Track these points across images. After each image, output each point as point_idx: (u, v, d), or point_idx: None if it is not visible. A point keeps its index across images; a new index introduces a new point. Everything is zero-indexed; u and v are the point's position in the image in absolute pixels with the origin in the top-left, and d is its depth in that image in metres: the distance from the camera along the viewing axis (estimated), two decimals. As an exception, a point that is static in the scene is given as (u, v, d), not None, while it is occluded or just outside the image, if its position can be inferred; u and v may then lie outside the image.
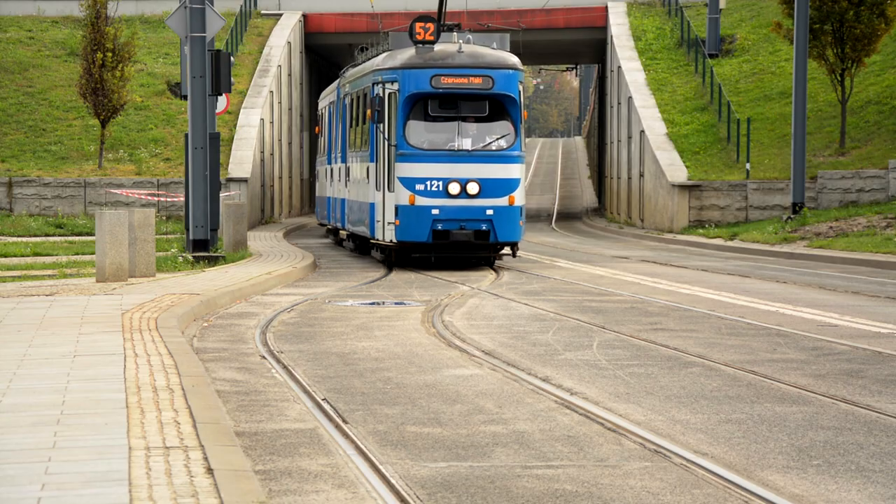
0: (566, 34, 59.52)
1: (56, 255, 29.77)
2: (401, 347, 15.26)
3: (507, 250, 29.01)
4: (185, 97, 43.97)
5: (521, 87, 28.07)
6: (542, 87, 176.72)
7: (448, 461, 9.13)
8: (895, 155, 41.32)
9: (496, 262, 28.95)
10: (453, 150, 27.43)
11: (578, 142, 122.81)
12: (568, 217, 63.03)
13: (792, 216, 38.67)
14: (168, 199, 44.37)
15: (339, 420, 10.62)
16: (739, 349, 14.89)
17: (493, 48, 28.78)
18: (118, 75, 45.33)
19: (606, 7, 58.02)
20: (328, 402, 11.43)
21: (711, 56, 52.72)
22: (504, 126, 27.87)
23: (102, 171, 46.35)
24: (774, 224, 38.91)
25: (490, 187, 27.24)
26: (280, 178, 53.53)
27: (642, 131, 48.22)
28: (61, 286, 20.79)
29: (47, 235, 38.03)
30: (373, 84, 28.85)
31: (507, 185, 27.44)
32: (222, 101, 39.62)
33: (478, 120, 27.83)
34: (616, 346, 15.26)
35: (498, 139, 27.69)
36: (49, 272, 24.34)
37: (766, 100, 49.02)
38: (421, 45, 28.08)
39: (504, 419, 10.70)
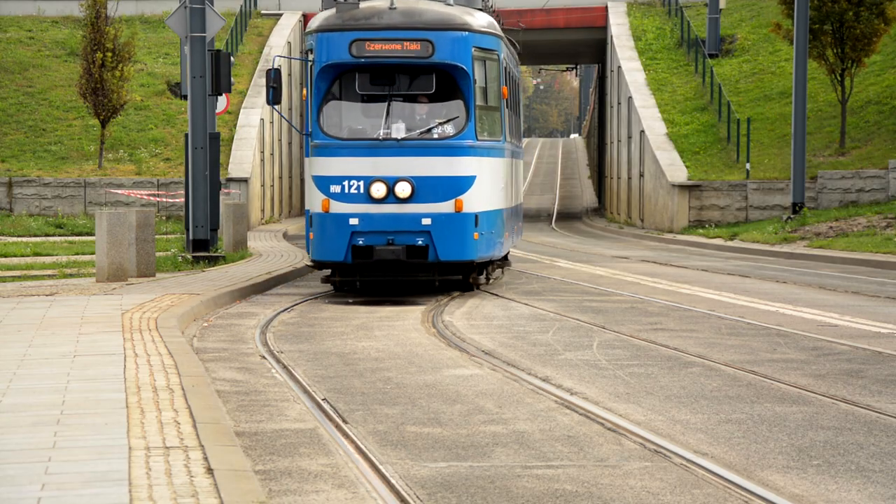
0: (566, 34, 59.54)
1: (56, 255, 29.77)
2: (401, 347, 15.26)
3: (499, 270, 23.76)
4: (185, 97, 43.98)
5: (479, 54, 21.15)
6: (542, 87, 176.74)
7: (448, 461, 9.13)
8: (895, 155, 41.32)
9: (480, 287, 22.70)
10: (377, 140, 20.50)
11: (578, 142, 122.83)
12: (568, 217, 63.04)
13: (792, 216, 38.67)
14: (168, 199, 44.37)
15: (339, 420, 10.63)
16: (739, 349, 14.89)
17: (448, 3, 21.79)
18: (118, 75, 45.33)
19: (606, 7, 58.03)
20: (328, 402, 11.43)
21: (711, 56, 52.73)
22: (453, 107, 21.04)
23: (102, 171, 46.35)
24: (774, 224, 38.91)
25: (428, 188, 20.48)
26: (280, 177, 53.54)
27: (642, 131, 48.22)
28: (61, 286, 20.79)
29: (47, 235, 38.03)
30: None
31: (453, 185, 20.61)
32: (222, 101, 39.60)
33: (416, 100, 21.06)
34: (616, 346, 15.26)
35: (442, 124, 20.87)
36: (49, 272, 24.35)
37: (766, 100, 49.02)
38: (343, 2, 21.14)
39: (504, 419, 10.70)
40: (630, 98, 50.87)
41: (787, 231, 37.05)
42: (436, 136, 20.78)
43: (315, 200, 20.71)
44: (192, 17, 25.71)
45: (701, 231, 41.65)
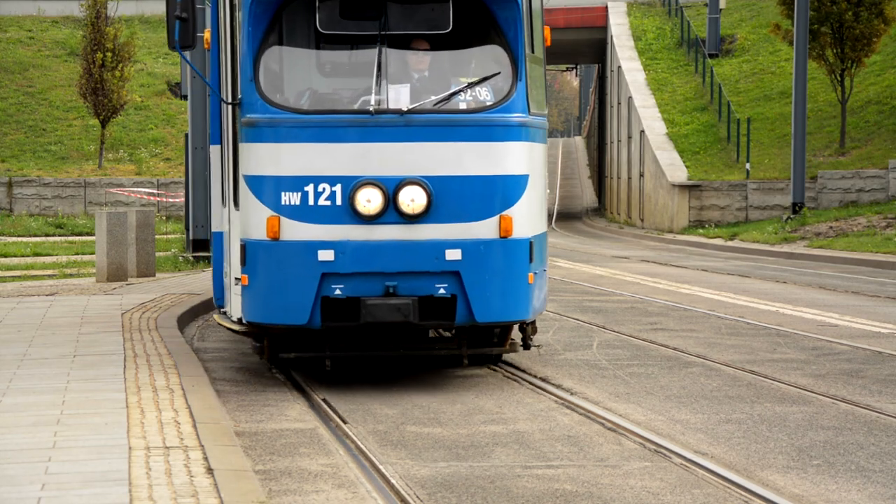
0: (566, 34, 59.53)
1: (56, 255, 29.78)
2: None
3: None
4: (185, 97, 44.05)
5: None
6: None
7: (448, 461, 9.13)
8: (895, 155, 41.33)
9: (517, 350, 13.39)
10: (366, 114, 12.01)
11: (578, 142, 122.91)
12: (568, 217, 63.04)
13: (792, 216, 38.69)
14: (168, 199, 44.37)
15: (338, 420, 10.63)
16: (739, 349, 14.89)
17: None
18: (118, 75, 45.38)
19: (606, 7, 58.05)
20: (328, 403, 11.43)
21: (711, 56, 52.75)
22: (487, 57, 12.65)
23: (102, 171, 46.36)
24: (774, 224, 38.92)
25: (455, 197, 12.03)
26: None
27: (642, 131, 48.23)
28: (61, 286, 20.80)
29: (47, 235, 38.04)
30: None
31: (496, 192, 12.14)
32: (222, 101, 39.58)
33: (424, 44, 12.48)
34: (616, 346, 15.26)
35: (474, 85, 12.31)
36: (49, 272, 24.36)
37: (766, 100, 49.04)
38: None
39: (504, 419, 10.70)
40: (630, 98, 50.88)
41: (787, 231, 37.06)
42: (463, 106, 12.29)
43: (253, 219, 12.10)
44: (192, 17, 25.70)
45: (701, 231, 41.65)
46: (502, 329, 13.02)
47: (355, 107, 12.18)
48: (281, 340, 12.60)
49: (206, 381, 11.68)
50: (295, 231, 11.94)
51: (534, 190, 12.55)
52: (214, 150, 14.26)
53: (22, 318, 16.09)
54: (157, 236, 28.88)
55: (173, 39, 12.12)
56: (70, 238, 37.00)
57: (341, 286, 11.91)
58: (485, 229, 12.08)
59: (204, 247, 26.40)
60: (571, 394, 11.90)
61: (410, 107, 12.02)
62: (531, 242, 12.31)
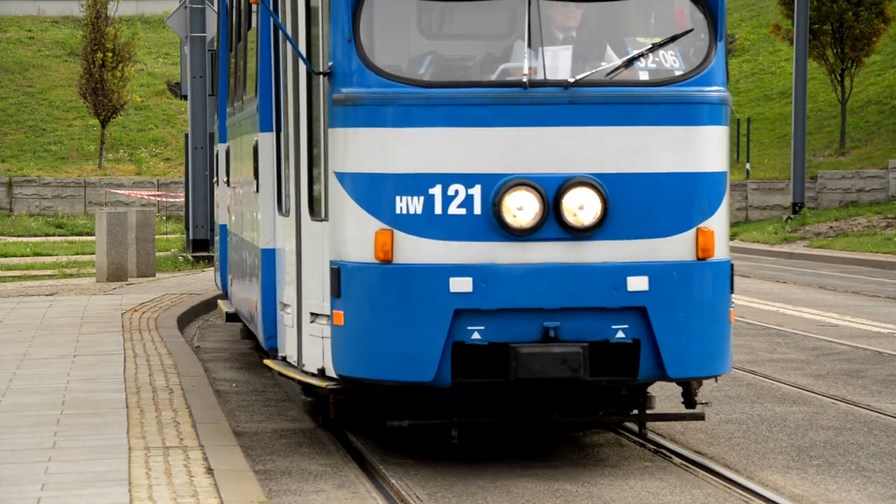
0: (566, 34, 59.50)
1: (56, 255, 29.77)
2: (401, 347, 15.22)
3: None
4: (185, 97, 44.11)
5: None
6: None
7: (448, 461, 9.12)
8: (895, 155, 41.34)
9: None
10: (515, 86, 8.74)
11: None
12: (568, 217, 63.02)
13: (792, 216, 38.68)
14: (168, 199, 44.39)
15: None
16: (739, 349, 14.89)
17: None
18: (118, 75, 45.37)
19: (606, 7, 58.02)
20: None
21: (711, 56, 52.76)
22: (672, 7, 9.39)
23: (102, 171, 46.39)
24: (774, 224, 38.92)
25: (637, 202, 8.81)
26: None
27: (642, 131, 48.20)
28: (61, 286, 20.80)
29: (47, 235, 38.02)
30: None
31: (690, 195, 8.92)
32: (222, 101, 39.54)
33: None
34: (616, 346, 15.23)
35: (660, 47, 8.99)
36: (49, 272, 24.36)
37: (766, 100, 49.06)
38: None
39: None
40: (630, 98, 50.84)
41: (787, 231, 37.06)
42: (645, 76, 9.11)
43: (352, 233, 8.90)
44: (192, 17, 25.74)
45: (701, 231, 41.63)
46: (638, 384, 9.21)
47: (494, 77, 9.00)
48: (371, 400, 9.48)
49: (206, 381, 11.68)
50: (416, 251, 8.69)
51: (728, 193, 9.28)
52: (265, 140, 10.57)
53: (22, 318, 16.09)
54: (157, 236, 28.90)
55: None
56: (70, 238, 36.99)
57: (481, 328, 8.66)
58: (678, 248, 8.86)
59: (204, 247, 26.41)
60: (571, 394, 11.88)
61: (577, 77, 8.78)
62: (731, 266, 9.17)
